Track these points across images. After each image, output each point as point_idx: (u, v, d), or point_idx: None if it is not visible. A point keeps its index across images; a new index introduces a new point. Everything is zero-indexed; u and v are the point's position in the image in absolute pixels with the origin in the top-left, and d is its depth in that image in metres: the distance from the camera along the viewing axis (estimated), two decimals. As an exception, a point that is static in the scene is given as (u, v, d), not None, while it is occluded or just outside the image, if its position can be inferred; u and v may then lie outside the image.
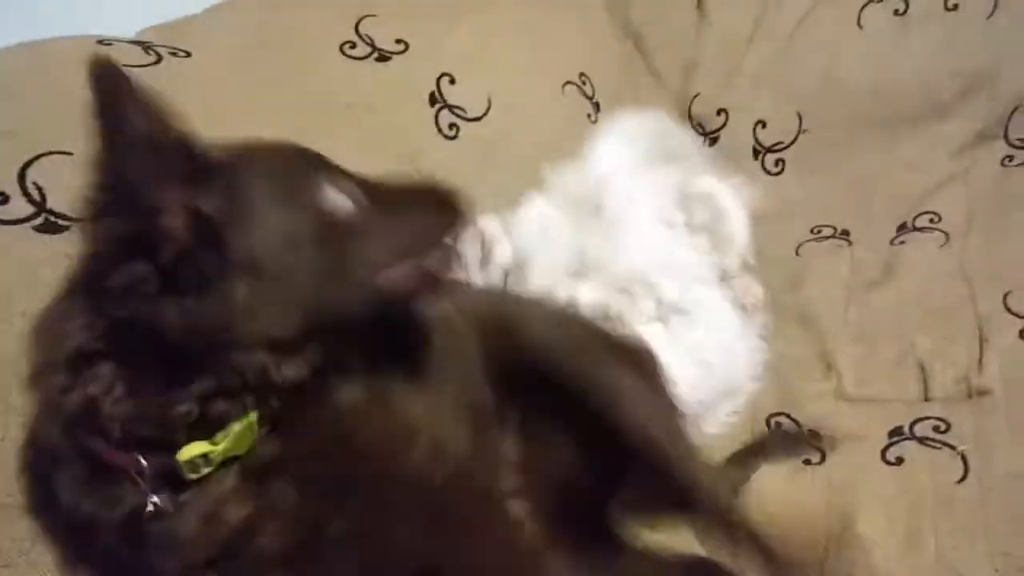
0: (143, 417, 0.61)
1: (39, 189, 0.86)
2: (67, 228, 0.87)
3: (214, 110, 1.06)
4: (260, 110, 1.11)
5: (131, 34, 1.13)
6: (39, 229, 0.85)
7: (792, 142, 1.82)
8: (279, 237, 0.63)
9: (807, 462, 1.14)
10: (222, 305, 0.60)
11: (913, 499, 1.05)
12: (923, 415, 1.16)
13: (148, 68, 1.04)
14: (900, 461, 1.11)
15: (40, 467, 0.72)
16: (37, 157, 0.88)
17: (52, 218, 0.86)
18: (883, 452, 1.13)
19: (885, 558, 0.99)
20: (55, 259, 0.84)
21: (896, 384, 1.25)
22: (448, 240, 0.75)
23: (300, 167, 0.69)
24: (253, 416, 0.64)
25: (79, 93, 0.94)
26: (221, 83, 1.10)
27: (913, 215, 1.62)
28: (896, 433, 1.15)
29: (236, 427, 0.63)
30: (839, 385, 1.27)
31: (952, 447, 1.10)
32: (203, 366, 0.61)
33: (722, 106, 1.84)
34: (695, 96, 1.85)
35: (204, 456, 0.63)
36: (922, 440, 1.13)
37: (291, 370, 0.64)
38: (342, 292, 0.67)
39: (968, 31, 1.77)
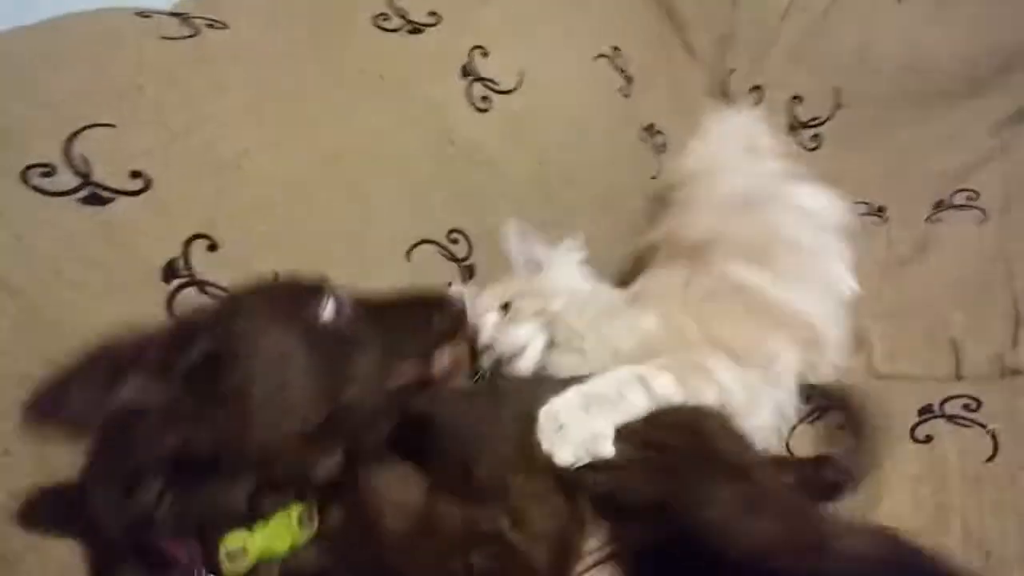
0: (193, 515, 0.66)
1: (85, 161, 0.88)
2: (112, 200, 0.89)
3: (251, 84, 1.08)
4: (293, 84, 1.13)
5: (170, 5, 1.14)
6: (85, 201, 0.87)
7: (829, 117, 1.80)
8: (275, 355, 0.69)
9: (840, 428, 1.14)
10: (242, 420, 0.65)
11: (940, 477, 1.05)
12: (954, 393, 1.15)
13: (186, 40, 1.05)
14: (929, 439, 1.10)
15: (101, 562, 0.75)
16: (82, 129, 0.90)
17: (97, 190, 0.88)
18: (912, 430, 1.12)
19: (911, 536, 0.99)
20: (101, 231, 0.87)
21: (927, 361, 1.24)
22: (448, 340, 0.81)
23: (292, 293, 0.75)
24: (294, 511, 0.69)
25: (121, 65, 0.98)
26: (257, 56, 1.11)
27: (950, 192, 1.59)
28: (926, 411, 1.14)
29: (274, 521, 0.67)
30: (869, 361, 1.27)
31: (982, 425, 1.09)
32: (245, 465, 0.66)
33: (757, 82, 1.83)
34: (731, 72, 1.84)
35: (244, 549, 0.66)
36: (952, 418, 1.12)
37: (323, 469, 0.70)
38: (356, 395, 0.72)
39: (1008, 5, 1.73)
